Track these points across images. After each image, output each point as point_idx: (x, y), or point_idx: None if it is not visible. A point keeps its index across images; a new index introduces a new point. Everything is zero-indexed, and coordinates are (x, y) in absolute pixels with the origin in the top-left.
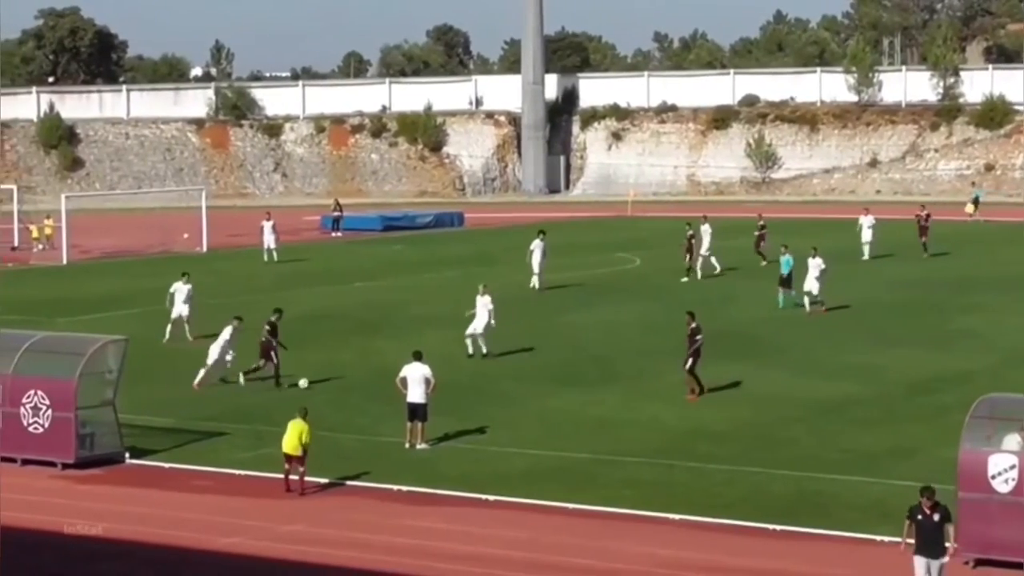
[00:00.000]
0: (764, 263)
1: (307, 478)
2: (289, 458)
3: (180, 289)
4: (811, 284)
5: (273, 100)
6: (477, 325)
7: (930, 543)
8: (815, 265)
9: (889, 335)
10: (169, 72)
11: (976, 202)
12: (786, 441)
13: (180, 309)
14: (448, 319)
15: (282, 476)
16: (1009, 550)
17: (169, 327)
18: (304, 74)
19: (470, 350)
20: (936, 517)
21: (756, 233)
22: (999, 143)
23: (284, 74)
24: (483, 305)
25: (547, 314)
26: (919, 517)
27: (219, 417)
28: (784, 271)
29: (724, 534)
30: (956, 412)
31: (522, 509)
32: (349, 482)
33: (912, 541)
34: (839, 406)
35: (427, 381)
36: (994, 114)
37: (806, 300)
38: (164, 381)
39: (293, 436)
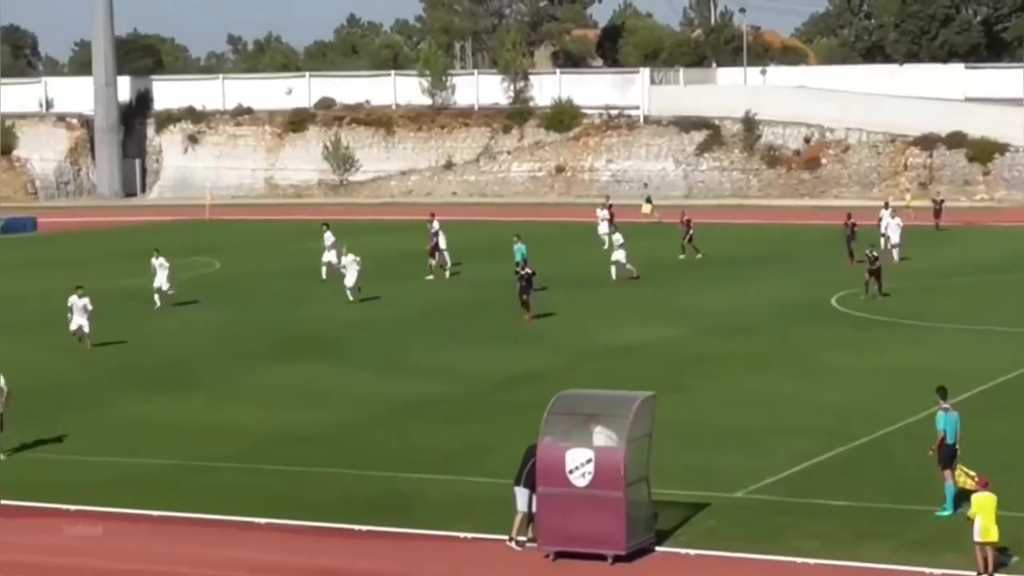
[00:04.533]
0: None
1: None
2: None
3: (76, 303)
4: (618, 255)
5: None
6: (79, 323)
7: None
8: (618, 239)
9: (467, 334)
10: None
11: (650, 201)
12: (371, 442)
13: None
14: (22, 325)
15: None
16: (588, 542)
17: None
18: None
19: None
20: None
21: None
22: (568, 145)
23: None
24: (82, 307)
25: (125, 319)
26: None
27: None
28: (518, 258)
29: (311, 536)
30: (535, 408)
31: (103, 518)
32: None
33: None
34: (421, 406)
35: (0, 390)
36: (563, 117)
37: (613, 269)
38: None
39: None
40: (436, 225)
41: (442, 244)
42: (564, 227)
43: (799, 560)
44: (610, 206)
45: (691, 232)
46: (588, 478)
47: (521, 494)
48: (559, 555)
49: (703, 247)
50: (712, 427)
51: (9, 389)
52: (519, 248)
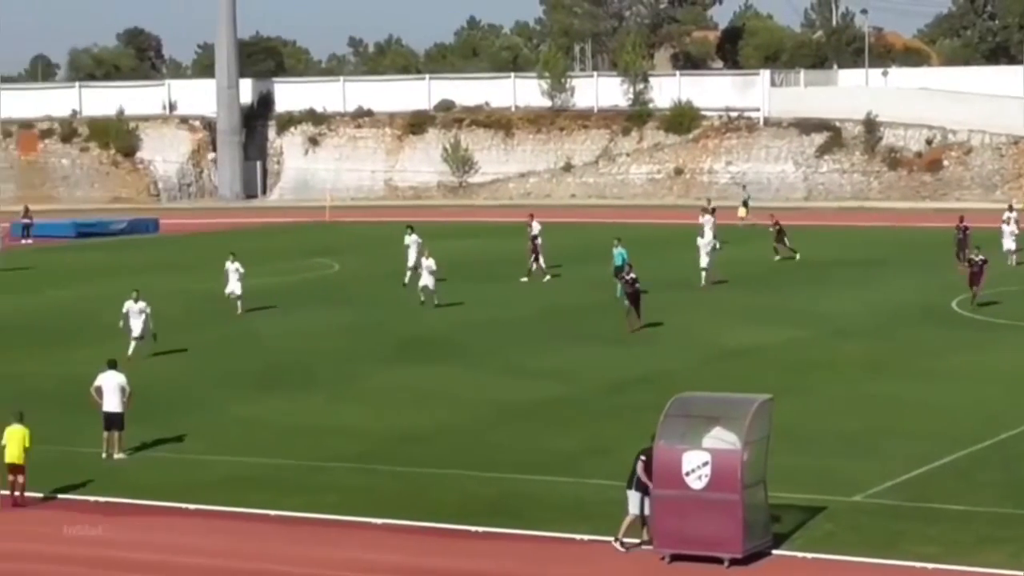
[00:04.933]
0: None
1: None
2: (15, 468)
3: (132, 308)
4: (704, 261)
5: None
6: (136, 328)
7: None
8: (704, 244)
9: (583, 336)
10: None
11: (746, 204)
12: (489, 443)
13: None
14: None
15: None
16: (703, 545)
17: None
18: None
19: (130, 352)
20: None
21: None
22: (687, 147)
23: None
24: (139, 311)
25: (246, 320)
26: (643, 458)
27: None
28: (618, 262)
29: (427, 537)
30: (653, 411)
31: (222, 517)
32: (43, 494)
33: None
34: (538, 407)
35: (123, 390)
36: (682, 119)
37: (703, 274)
38: None
39: (16, 444)
40: (536, 227)
41: (539, 247)
42: (681, 229)
43: (917, 565)
44: (713, 210)
45: (782, 232)
46: (705, 480)
47: (633, 497)
48: (674, 557)
49: (819, 250)
50: (830, 430)
51: (131, 390)
52: (619, 252)
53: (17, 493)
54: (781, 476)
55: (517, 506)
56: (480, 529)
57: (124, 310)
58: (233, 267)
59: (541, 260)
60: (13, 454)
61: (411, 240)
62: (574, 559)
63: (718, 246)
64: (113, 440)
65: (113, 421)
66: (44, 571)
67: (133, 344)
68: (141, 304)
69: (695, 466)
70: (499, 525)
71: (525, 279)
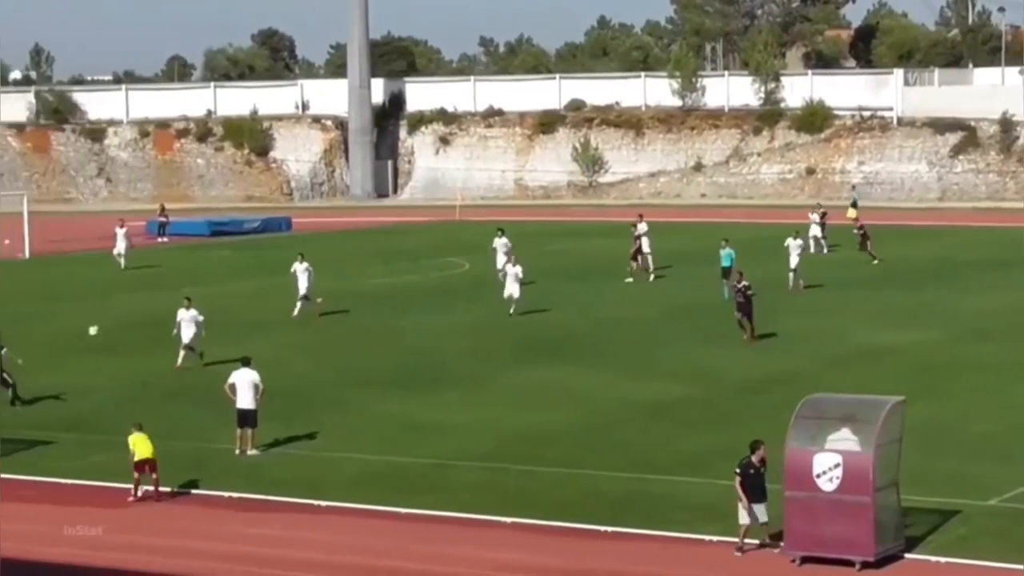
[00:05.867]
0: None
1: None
2: (141, 466)
3: (184, 316)
4: (794, 262)
5: (96, 104)
6: (187, 336)
7: (756, 489)
8: (795, 246)
9: (710, 336)
10: None
11: (855, 204)
12: (618, 443)
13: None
14: (277, 324)
15: (118, 485)
16: (834, 547)
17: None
18: (127, 77)
19: (179, 362)
20: (763, 469)
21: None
22: (819, 147)
23: (106, 78)
24: (191, 319)
25: (378, 318)
26: (750, 471)
27: (45, 426)
28: (726, 264)
29: (556, 536)
30: (783, 412)
31: (354, 514)
32: (179, 489)
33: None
34: (669, 407)
35: (256, 387)
36: (814, 119)
37: (790, 276)
38: None
39: (144, 444)
40: (642, 227)
41: (645, 248)
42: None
43: None
44: (824, 212)
45: (866, 236)
46: (836, 483)
47: (741, 508)
48: (805, 560)
49: (953, 251)
50: (964, 433)
51: (264, 387)
52: (727, 253)
53: (151, 488)
54: (914, 479)
55: (645, 506)
56: (608, 529)
57: (177, 318)
58: (302, 267)
59: (650, 260)
60: (146, 449)
61: (499, 243)
62: (703, 560)
63: (825, 249)
64: (246, 437)
65: (246, 418)
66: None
67: (182, 353)
68: (193, 312)
69: (826, 468)
70: (627, 525)
71: (630, 279)
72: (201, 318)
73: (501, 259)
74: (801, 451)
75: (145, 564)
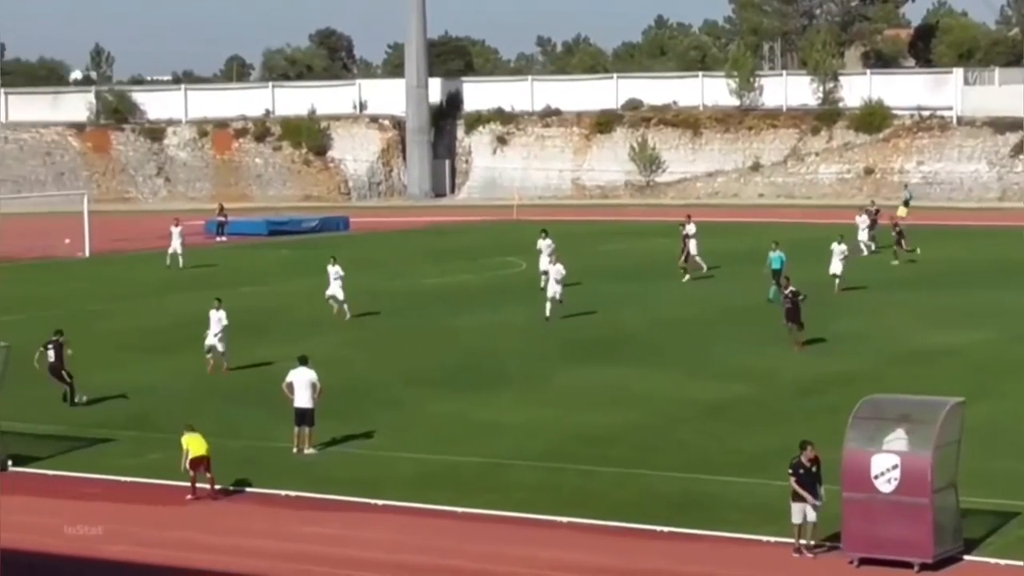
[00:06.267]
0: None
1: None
2: (196, 464)
3: (212, 316)
4: (836, 267)
5: (155, 104)
6: (213, 340)
7: (807, 489)
8: (839, 251)
9: (766, 336)
10: (48, 75)
11: (907, 204)
12: (674, 443)
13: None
14: (334, 324)
15: (175, 483)
16: (892, 549)
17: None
18: (186, 77)
19: (209, 368)
20: (814, 469)
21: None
22: (878, 147)
23: (166, 78)
24: (217, 320)
25: (434, 318)
26: (800, 471)
27: (105, 423)
28: (776, 266)
29: (612, 536)
30: (841, 413)
31: (410, 513)
32: (237, 488)
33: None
34: (727, 407)
35: (314, 386)
36: (873, 118)
37: (836, 282)
38: (47, 388)
39: (199, 441)
40: (690, 228)
41: (692, 249)
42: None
43: None
44: (877, 211)
45: (902, 234)
46: (894, 484)
47: (794, 508)
48: (863, 561)
49: (1011, 251)
50: (1022, 433)
51: (321, 386)
52: (777, 255)
53: (207, 486)
54: (973, 480)
55: (702, 506)
56: (665, 529)
57: (211, 319)
58: (333, 270)
59: (699, 259)
60: (201, 447)
61: (544, 244)
62: (760, 561)
63: (872, 248)
64: (304, 436)
65: (304, 417)
66: (222, 561)
67: (208, 357)
68: (220, 314)
69: (884, 469)
70: (684, 525)
71: (686, 278)
72: (226, 321)
73: (544, 260)
74: (859, 452)
75: (208, 563)
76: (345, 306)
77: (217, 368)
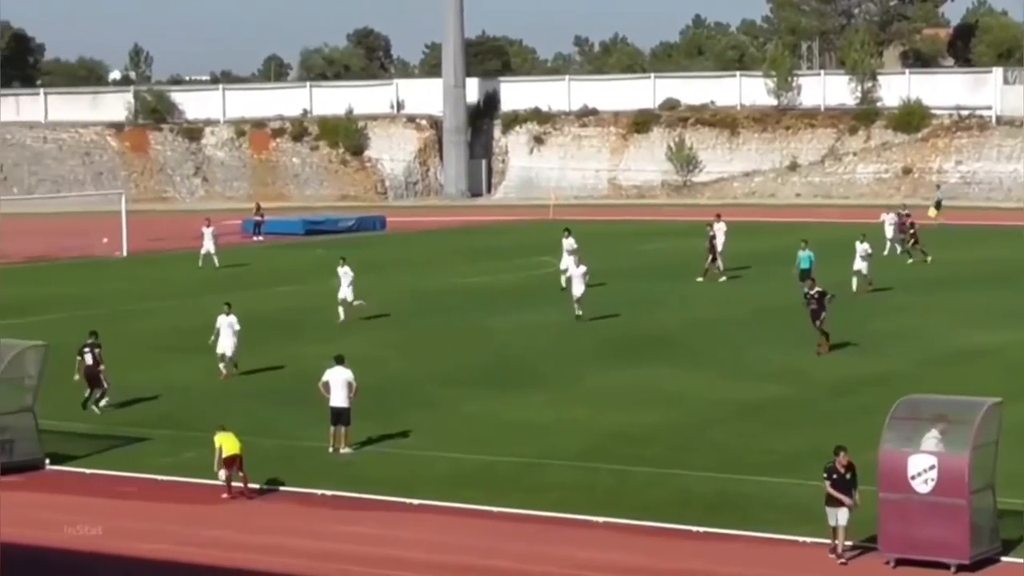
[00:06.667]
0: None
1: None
2: (230, 463)
3: (222, 321)
4: (859, 265)
5: (193, 104)
6: (225, 346)
7: (841, 493)
8: (862, 249)
9: (800, 336)
10: (87, 75)
11: (939, 206)
12: (709, 443)
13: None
14: (370, 323)
15: (210, 482)
16: (929, 549)
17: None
18: (224, 77)
19: (223, 373)
20: (848, 475)
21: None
22: (916, 147)
23: (204, 77)
24: (228, 325)
25: (470, 317)
26: (834, 476)
27: (140, 423)
28: (805, 266)
29: (647, 536)
30: (876, 413)
31: (446, 513)
32: (272, 487)
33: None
34: (761, 407)
35: (350, 385)
36: (911, 118)
37: (854, 280)
38: (84, 387)
39: (232, 440)
40: (719, 227)
41: (718, 248)
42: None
43: None
44: (908, 214)
45: (915, 233)
46: (931, 484)
47: (829, 511)
48: (899, 562)
49: None
50: None
51: (358, 385)
52: (806, 255)
53: (241, 485)
54: (1010, 481)
55: (737, 506)
56: (699, 529)
57: (217, 325)
58: (343, 271)
59: (719, 261)
60: (234, 446)
61: (567, 243)
62: (796, 562)
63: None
64: (339, 435)
65: (340, 416)
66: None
67: (222, 365)
68: (231, 319)
69: (921, 469)
70: (718, 525)
71: (723, 279)
72: (238, 327)
73: (567, 260)
74: (896, 452)
75: (246, 562)
76: (340, 308)
77: (230, 374)
